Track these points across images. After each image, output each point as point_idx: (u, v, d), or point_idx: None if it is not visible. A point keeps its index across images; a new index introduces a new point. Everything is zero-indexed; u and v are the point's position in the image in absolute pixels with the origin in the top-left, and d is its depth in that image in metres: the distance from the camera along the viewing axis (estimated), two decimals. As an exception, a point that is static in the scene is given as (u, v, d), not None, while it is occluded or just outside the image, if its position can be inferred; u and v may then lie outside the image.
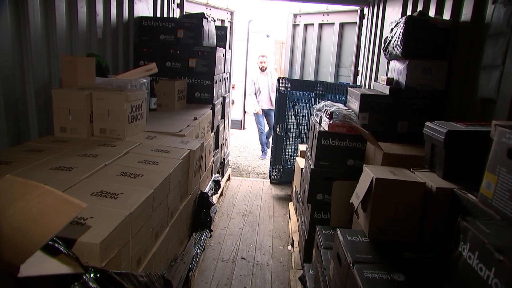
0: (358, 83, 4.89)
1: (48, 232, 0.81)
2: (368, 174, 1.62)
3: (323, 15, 6.03)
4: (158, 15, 4.35)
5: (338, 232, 1.63)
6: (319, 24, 6.13)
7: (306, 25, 6.48)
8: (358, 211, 1.73)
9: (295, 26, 6.74)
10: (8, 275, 0.78)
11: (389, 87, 2.54)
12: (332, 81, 5.55)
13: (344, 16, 5.65)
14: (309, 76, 6.24)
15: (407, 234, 1.55)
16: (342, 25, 5.72)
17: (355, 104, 2.61)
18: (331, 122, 2.48)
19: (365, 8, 4.85)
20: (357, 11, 5.08)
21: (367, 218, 1.60)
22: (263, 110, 6.32)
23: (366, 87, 4.36)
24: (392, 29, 2.68)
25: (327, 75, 5.88)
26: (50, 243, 0.92)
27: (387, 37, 2.77)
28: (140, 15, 3.80)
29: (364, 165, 1.79)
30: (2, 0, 1.97)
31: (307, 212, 2.77)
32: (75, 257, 0.94)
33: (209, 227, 2.59)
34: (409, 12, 3.16)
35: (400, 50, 2.45)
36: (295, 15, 6.69)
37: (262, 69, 6.17)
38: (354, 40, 5.21)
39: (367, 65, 4.49)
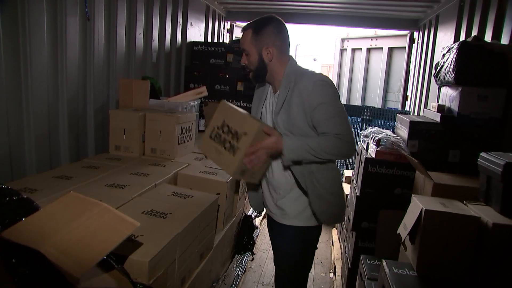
0: (407, 108, 4.77)
1: (105, 248, 0.86)
2: (417, 205, 1.56)
3: (371, 39, 6.00)
4: (209, 40, 4.55)
5: (384, 263, 1.57)
6: (367, 48, 6.09)
7: (353, 50, 6.47)
8: (405, 242, 1.66)
9: (342, 50, 6.74)
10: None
11: (440, 114, 2.45)
12: (380, 106, 5.45)
13: (392, 41, 5.58)
14: (356, 101, 6.18)
15: (458, 272, 1.47)
16: (390, 49, 5.65)
17: (403, 131, 2.54)
18: (378, 149, 2.43)
19: (415, 32, 4.76)
20: (406, 35, 5.00)
21: (415, 251, 1.54)
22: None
23: (415, 113, 4.24)
24: (444, 55, 2.61)
25: (375, 100, 5.79)
26: (105, 257, 0.98)
27: (438, 62, 2.70)
28: (192, 40, 3.99)
29: (412, 195, 1.73)
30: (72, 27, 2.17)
31: (351, 240, 2.69)
32: (126, 274, 0.99)
33: (251, 250, 2.59)
34: (462, 37, 3.06)
35: (452, 76, 2.37)
36: (342, 40, 6.70)
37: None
38: (403, 65, 5.11)
39: (416, 91, 4.37)
